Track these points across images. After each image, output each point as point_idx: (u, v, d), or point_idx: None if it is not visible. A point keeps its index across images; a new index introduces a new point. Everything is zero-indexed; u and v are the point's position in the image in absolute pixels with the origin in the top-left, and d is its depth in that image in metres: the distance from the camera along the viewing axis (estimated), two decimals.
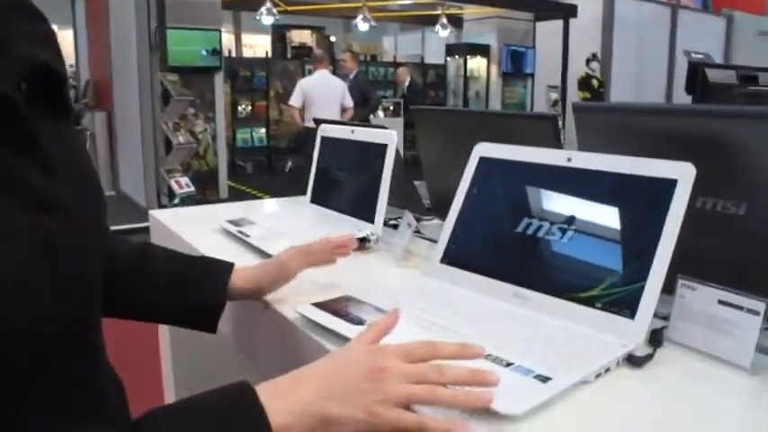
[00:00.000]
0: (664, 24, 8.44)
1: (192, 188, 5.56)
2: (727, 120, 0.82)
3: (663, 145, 0.86)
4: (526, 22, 9.50)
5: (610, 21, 8.50)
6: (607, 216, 0.82)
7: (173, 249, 0.91)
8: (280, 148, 8.78)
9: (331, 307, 0.82)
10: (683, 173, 0.76)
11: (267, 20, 8.73)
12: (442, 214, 1.12)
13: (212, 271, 0.87)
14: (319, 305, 0.82)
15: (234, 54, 9.82)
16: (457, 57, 10.28)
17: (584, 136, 0.95)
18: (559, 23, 8.86)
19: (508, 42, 9.58)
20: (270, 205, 1.61)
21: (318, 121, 1.52)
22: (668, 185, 0.77)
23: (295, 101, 5.74)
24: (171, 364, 1.51)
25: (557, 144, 1.03)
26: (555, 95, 9.61)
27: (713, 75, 2.43)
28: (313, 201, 1.42)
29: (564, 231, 0.84)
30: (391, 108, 8.17)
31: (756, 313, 0.71)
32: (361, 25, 9.09)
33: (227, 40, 9.28)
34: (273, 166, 8.77)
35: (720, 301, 0.74)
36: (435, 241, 1.22)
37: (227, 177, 6.75)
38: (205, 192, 6.04)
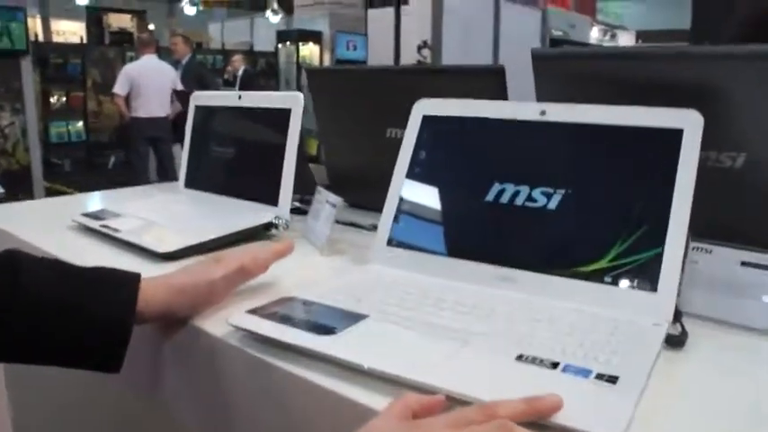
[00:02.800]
0: (488, 15, 8.88)
1: (2, 190, 4.79)
2: (719, 62, 0.72)
3: (643, 94, 0.74)
4: (358, 9, 9.48)
5: (439, 9, 8.75)
6: (602, 175, 0.69)
7: (47, 257, 0.64)
8: (101, 143, 7.92)
9: (275, 313, 0.60)
10: (689, 121, 0.65)
11: (81, 0, 7.82)
12: (346, 194, 0.94)
13: (112, 287, 0.62)
14: (258, 312, 0.60)
15: (42, 40, 8.72)
16: (288, 44, 10.01)
17: (545, 90, 0.82)
18: (391, 10, 8.94)
19: (340, 29, 9.50)
20: (130, 194, 1.32)
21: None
22: (672, 136, 0.65)
23: (120, 88, 5.19)
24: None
25: None
26: None
27: None
28: (189, 185, 1.16)
29: (549, 196, 0.70)
30: None
31: None
32: (188, 9, 8.50)
33: (32, 24, 8.22)
34: (94, 162, 7.90)
35: (744, 263, 0.64)
36: (350, 224, 1.05)
37: (42, 177, 5.94)
38: (17, 194, 5.25)
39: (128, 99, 5.24)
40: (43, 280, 0.60)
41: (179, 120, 5.44)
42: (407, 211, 0.78)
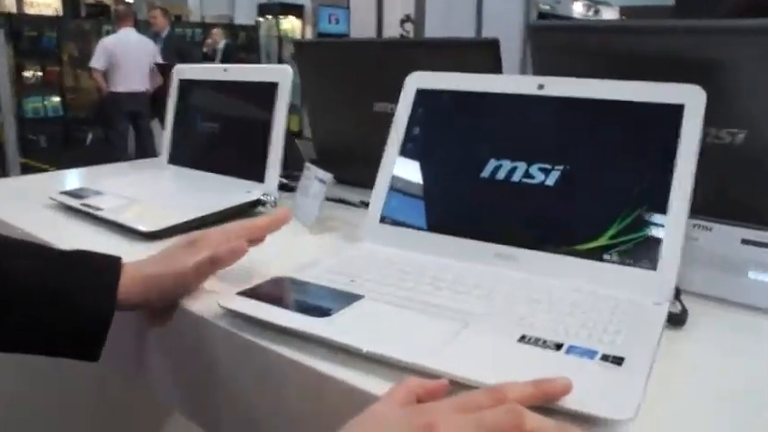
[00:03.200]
0: None
1: None
2: (721, 36, 0.70)
3: (643, 68, 0.73)
4: None
5: None
6: (601, 151, 0.67)
7: (25, 240, 0.61)
8: (78, 119, 7.76)
9: (267, 294, 0.58)
10: (691, 97, 0.63)
11: None
12: (333, 169, 0.91)
13: (92, 272, 0.59)
14: (249, 293, 0.58)
15: (15, 12, 8.46)
16: (269, 17, 9.85)
17: (542, 63, 0.79)
18: None
19: (322, 2, 9.35)
20: (111, 171, 1.28)
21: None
22: (673, 112, 0.64)
23: (97, 62, 5.07)
24: None
25: None
26: None
27: None
28: (173, 161, 1.13)
29: (547, 172, 0.68)
30: None
31: None
32: None
33: None
34: (72, 138, 7.75)
35: (745, 240, 0.63)
36: (338, 201, 1.02)
37: (18, 153, 5.83)
38: None
39: (106, 73, 5.12)
40: (21, 265, 0.57)
41: (158, 95, 5.34)
42: (400, 187, 0.76)
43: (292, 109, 1.15)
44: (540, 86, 0.71)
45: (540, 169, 0.68)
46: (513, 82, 0.74)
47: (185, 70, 1.14)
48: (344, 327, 0.51)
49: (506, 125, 0.73)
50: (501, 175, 0.70)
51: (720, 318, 0.61)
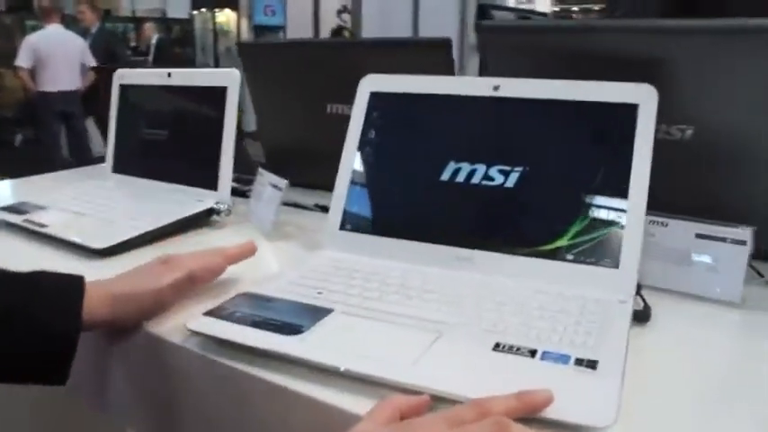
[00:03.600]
0: None
1: None
2: (667, 35, 0.72)
3: (592, 67, 0.74)
4: None
5: None
6: (559, 152, 0.68)
7: None
8: (5, 119, 7.41)
9: (233, 313, 0.56)
10: (644, 96, 0.65)
11: None
12: (286, 172, 0.90)
13: (54, 293, 0.56)
14: (216, 313, 0.56)
15: None
16: (204, 10, 9.62)
17: (492, 63, 0.80)
18: None
19: None
20: (52, 181, 1.22)
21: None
22: (627, 111, 0.65)
23: (23, 61, 4.81)
24: None
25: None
26: None
27: (499, 15, 2.49)
28: (117, 170, 1.09)
29: (506, 174, 0.68)
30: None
31: (743, 243, 0.63)
32: None
33: None
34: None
35: (699, 235, 0.65)
36: (293, 205, 1.01)
37: None
38: None
39: (33, 72, 4.88)
40: None
41: (90, 93, 5.14)
42: (359, 193, 0.75)
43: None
44: (496, 87, 0.72)
45: (500, 171, 0.69)
46: (468, 84, 0.74)
47: (127, 75, 1.10)
48: (318, 344, 0.51)
49: (463, 127, 0.73)
50: (461, 177, 0.70)
51: (680, 310, 0.63)
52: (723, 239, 0.64)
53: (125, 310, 0.59)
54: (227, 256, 0.67)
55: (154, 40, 7.61)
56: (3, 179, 1.26)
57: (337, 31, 8.87)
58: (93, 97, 5.19)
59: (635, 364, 0.50)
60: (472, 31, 7.25)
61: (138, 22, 8.95)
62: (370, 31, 9.66)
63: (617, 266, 0.62)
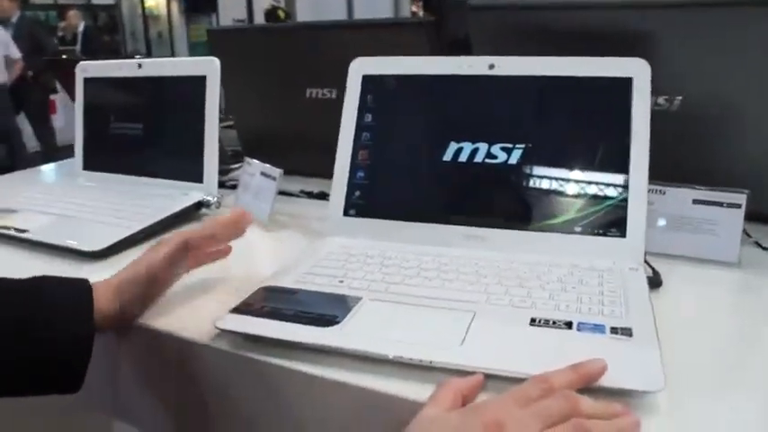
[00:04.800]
0: None
1: None
2: (654, 9, 0.74)
3: (581, 43, 0.75)
4: None
5: None
6: (559, 127, 0.70)
7: None
8: None
9: (262, 308, 0.56)
10: (637, 69, 0.67)
11: None
12: (263, 159, 0.89)
13: (62, 299, 0.54)
14: (243, 310, 0.55)
15: None
16: None
17: (481, 41, 0.80)
18: None
19: None
20: (18, 181, 1.16)
21: None
22: (622, 85, 0.67)
23: None
24: None
25: None
26: None
27: None
28: (89, 167, 1.05)
29: (509, 151, 0.69)
30: (64, 57, 6.99)
31: (738, 206, 0.66)
32: None
33: None
34: None
35: (696, 201, 0.68)
36: (281, 193, 1.00)
37: None
38: None
39: None
40: None
41: (19, 86, 4.89)
42: (361, 178, 0.75)
43: None
44: (491, 66, 0.72)
45: (502, 148, 0.70)
46: (462, 63, 0.74)
47: (90, 68, 1.05)
48: (357, 333, 0.51)
49: (461, 107, 0.74)
50: (463, 157, 0.71)
51: (684, 274, 0.66)
52: (720, 204, 0.67)
53: (129, 297, 0.58)
54: (221, 224, 0.65)
55: (80, 29, 7.27)
56: None
57: (271, 12, 8.70)
58: (22, 92, 4.94)
59: (660, 328, 0.52)
60: (408, 10, 7.25)
61: (60, 9, 8.52)
62: (303, 10, 9.52)
63: (624, 235, 0.64)
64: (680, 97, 0.74)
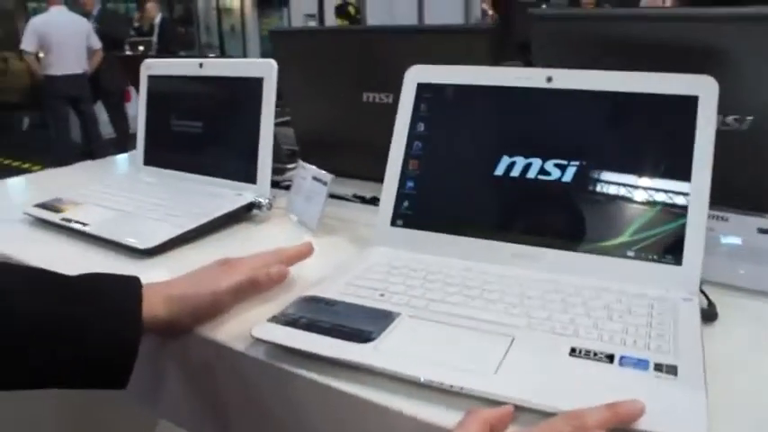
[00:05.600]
0: None
1: None
2: (724, 24, 0.70)
3: (647, 57, 0.73)
4: None
5: None
6: (617, 145, 0.67)
7: (30, 267, 0.56)
8: (10, 104, 7.39)
9: (299, 319, 0.56)
10: (704, 88, 0.63)
11: None
12: (318, 160, 0.89)
13: (113, 296, 0.55)
14: (280, 319, 0.56)
15: None
16: None
17: (541, 51, 0.78)
18: None
19: None
20: (79, 174, 1.21)
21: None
22: (687, 103, 0.64)
23: (28, 44, 4.76)
24: None
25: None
26: (313, 24, 9.43)
27: None
28: (149, 162, 1.08)
29: (563, 168, 0.67)
30: (141, 48, 7.25)
31: None
32: None
33: None
34: (4, 124, 7.39)
35: (761, 230, 0.64)
36: (331, 196, 1.00)
37: None
38: None
39: (38, 56, 4.84)
40: (33, 300, 0.53)
41: (98, 76, 5.10)
42: (411, 187, 0.74)
43: None
44: (549, 79, 0.70)
45: (556, 165, 0.68)
46: (519, 74, 0.72)
47: (155, 65, 1.08)
48: (392, 352, 0.50)
49: (516, 120, 0.72)
50: (515, 172, 0.69)
51: (743, 308, 0.62)
52: None
53: (183, 312, 0.59)
54: (287, 257, 0.66)
55: (157, 20, 7.52)
56: (10, 164, 1.26)
57: (341, 7, 8.78)
58: (102, 83, 5.16)
59: (709, 367, 0.50)
60: (479, 9, 7.16)
61: (140, 1, 8.84)
62: (374, 6, 9.56)
63: (680, 263, 0.61)
64: (750, 117, 0.70)
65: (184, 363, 0.63)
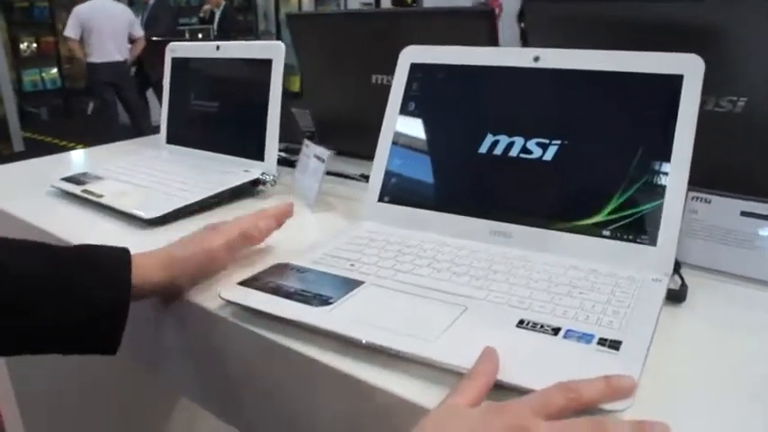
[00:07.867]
0: None
1: None
2: (719, 3, 0.69)
3: (640, 38, 0.72)
4: None
5: None
6: (599, 125, 0.67)
7: (26, 240, 0.60)
8: (78, 89, 7.72)
9: (267, 283, 0.58)
10: (689, 66, 0.62)
11: None
12: (332, 141, 0.91)
13: (102, 267, 0.58)
14: (249, 283, 0.59)
15: None
16: None
17: (534, 33, 0.78)
18: None
19: None
20: (111, 152, 1.27)
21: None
22: (672, 82, 0.63)
23: (71, 31, 4.78)
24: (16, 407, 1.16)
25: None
26: None
27: None
28: (171, 141, 1.13)
29: (545, 147, 0.67)
30: (200, 36, 7.43)
31: None
32: None
33: None
34: (72, 109, 7.73)
35: (744, 213, 0.63)
36: (338, 175, 1.02)
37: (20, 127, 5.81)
38: None
39: (82, 43, 4.92)
40: (26, 266, 0.57)
41: (143, 63, 5.19)
42: (399, 165, 0.76)
43: (292, 69, 1.14)
44: (536, 59, 0.70)
45: (538, 144, 0.68)
46: (508, 54, 0.72)
47: (178, 48, 1.12)
48: (344, 316, 0.52)
49: (502, 99, 0.72)
50: (498, 150, 0.70)
51: (719, 291, 0.61)
52: None
53: (181, 272, 0.62)
54: (271, 215, 0.69)
55: (220, 8, 7.68)
56: (75, 146, 1.33)
57: None
58: (147, 69, 5.28)
59: (662, 344, 0.49)
60: None
61: None
62: None
63: (654, 244, 0.60)
64: (744, 99, 0.68)
65: (182, 329, 0.66)
